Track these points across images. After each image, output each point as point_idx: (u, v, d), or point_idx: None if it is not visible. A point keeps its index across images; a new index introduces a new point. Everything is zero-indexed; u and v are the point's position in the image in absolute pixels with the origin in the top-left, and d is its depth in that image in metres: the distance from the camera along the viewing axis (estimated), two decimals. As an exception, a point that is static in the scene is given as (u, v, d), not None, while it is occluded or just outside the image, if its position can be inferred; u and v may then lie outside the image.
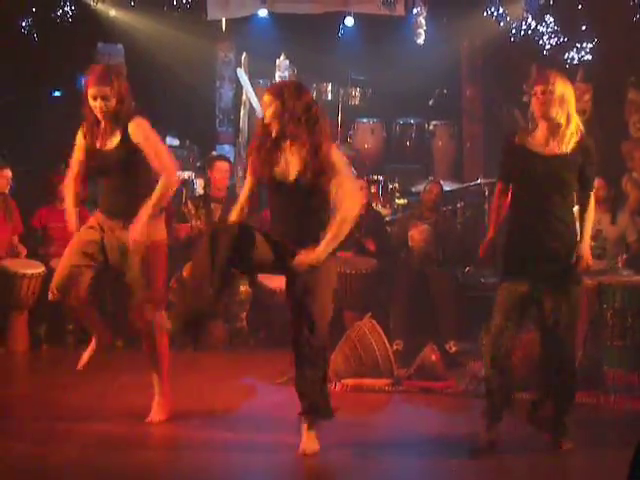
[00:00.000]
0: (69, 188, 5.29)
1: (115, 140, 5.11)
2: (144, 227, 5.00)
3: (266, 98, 4.75)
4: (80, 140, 5.22)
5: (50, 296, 5.13)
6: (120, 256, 5.14)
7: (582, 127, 4.86)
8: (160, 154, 5.13)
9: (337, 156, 4.73)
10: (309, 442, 4.76)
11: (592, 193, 4.94)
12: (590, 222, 4.90)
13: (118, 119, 5.09)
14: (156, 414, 5.26)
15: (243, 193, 4.99)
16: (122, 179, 5.12)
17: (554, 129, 4.81)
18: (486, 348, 4.98)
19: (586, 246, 4.87)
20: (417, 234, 7.88)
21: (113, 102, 5.06)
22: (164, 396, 5.28)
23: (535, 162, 4.84)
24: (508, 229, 4.98)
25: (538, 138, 4.88)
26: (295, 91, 4.74)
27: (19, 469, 4.49)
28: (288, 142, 4.73)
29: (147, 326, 5.18)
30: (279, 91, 4.74)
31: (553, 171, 4.81)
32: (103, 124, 5.12)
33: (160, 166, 5.09)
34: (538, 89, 4.83)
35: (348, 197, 4.71)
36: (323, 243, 4.65)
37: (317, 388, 4.76)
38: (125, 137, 5.09)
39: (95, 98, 5.06)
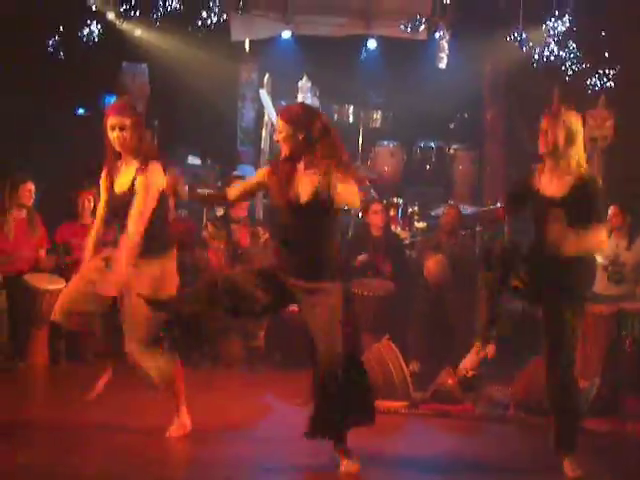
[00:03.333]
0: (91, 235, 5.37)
1: (127, 183, 5.16)
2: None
3: (279, 124, 4.81)
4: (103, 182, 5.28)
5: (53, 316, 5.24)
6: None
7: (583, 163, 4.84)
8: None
9: (346, 182, 4.70)
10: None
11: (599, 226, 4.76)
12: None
13: (137, 155, 5.17)
14: (175, 429, 5.29)
15: (243, 185, 5.16)
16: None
17: (557, 167, 4.83)
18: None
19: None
20: (432, 265, 7.88)
21: (130, 135, 5.14)
22: (181, 411, 5.31)
23: (537, 202, 4.87)
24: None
25: (544, 176, 4.89)
26: (307, 115, 4.79)
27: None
28: (301, 164, 4.78)
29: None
30: (290, 115, 4.78)
31: (550, 210, 4.82)
32: (122, 160, 5.20)
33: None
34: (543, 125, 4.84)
35: None
36: None
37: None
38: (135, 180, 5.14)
39: (113, 128, 5.12)
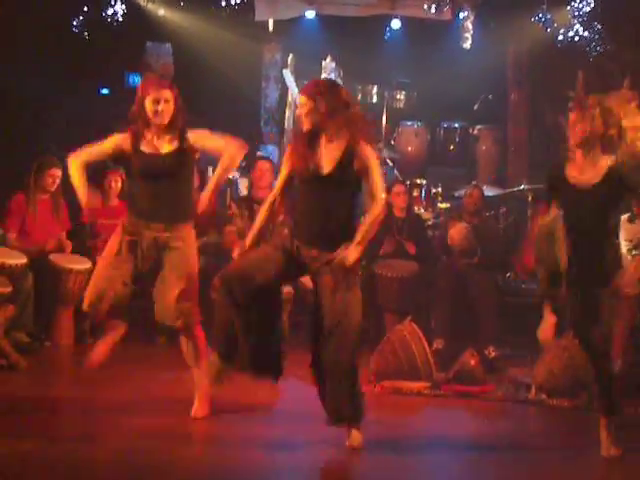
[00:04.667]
0: (78, 165, 5.37)
1: (169, 146, 5.25)
2: (212, 197, 5.25)
3: (301, 99, 4.88)
4: (121, 140, 5.30)
5: (84, 307, 5.30)
6: (157, 257, 5.27)
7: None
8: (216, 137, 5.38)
9: (371, 154, 4.82)
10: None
11: None
12: None
13: (174, 127, 5.24)
14: (199, 409, 5.35)
15: (277, 185, 5.09)
16: (170, 184, 5.26)
17: (587, 156, 4.90)
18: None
19: None
20: (456, 233, 7.87)
21: (172, 107, 5.21)
22: (205, 391, 5.36)
23: (572, 195, 4.93)
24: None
25: (575, 166, 4.96)
26: (329, 88, 4.86)
27: (64, 462, 4.58)
28: (324, 137, 4.83)
29: (185, 325, 5.27)
30: (313, 90, 4.86)
31: (586, 203, 4.89)
32: (156, 129, 5.24)
33: (221, 141, 5.35)
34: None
35: (374, 199, 4.81)
36: (353, 245, 4.74)
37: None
38: (181, 144, 5.24)
39: (157, 102, 5.18)
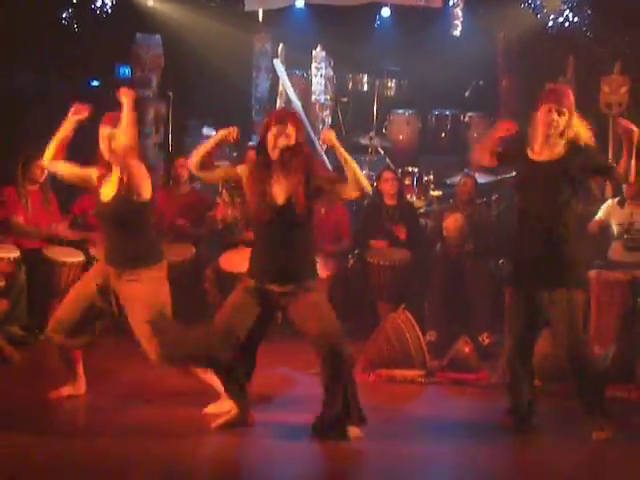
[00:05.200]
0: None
1: (112, 189, 5.21)
2: None
3: (289, 129, 4.84)
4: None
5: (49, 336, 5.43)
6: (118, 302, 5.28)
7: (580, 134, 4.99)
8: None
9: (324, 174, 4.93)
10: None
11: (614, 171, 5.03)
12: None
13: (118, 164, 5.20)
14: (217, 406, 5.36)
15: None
16: (118, 229, 5.25)
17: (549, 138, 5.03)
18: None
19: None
20: (451, 223, 7.87)
21: (111, 144, 5.16)
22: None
23: (528, 167, 5.05)
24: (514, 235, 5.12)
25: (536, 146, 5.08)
26: (298, 122, 4.93)
27: (59, 456, 4.60)
28: (278, 171, 4.88)
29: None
30: (293, 120, 4.92)
31: (541, 177, 4.96)
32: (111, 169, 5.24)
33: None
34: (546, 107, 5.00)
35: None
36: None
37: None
38: (121, 187, 5.18)
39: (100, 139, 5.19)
